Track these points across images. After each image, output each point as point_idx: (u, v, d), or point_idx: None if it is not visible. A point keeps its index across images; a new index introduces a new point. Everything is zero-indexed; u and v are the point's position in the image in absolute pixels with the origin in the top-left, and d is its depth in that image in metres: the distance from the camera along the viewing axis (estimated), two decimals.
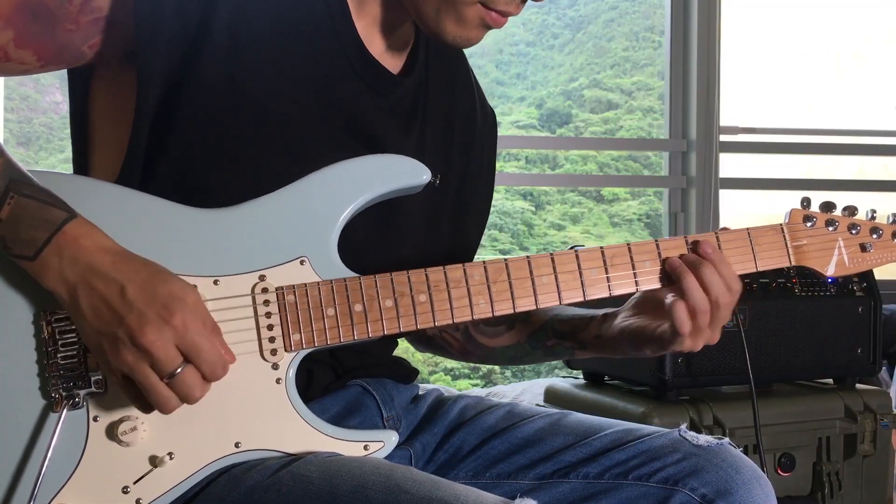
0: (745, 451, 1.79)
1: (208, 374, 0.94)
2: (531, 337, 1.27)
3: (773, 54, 3.64)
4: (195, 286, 0.97)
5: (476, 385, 3.76)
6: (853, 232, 1.16)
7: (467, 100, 1.31)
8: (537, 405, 1.89)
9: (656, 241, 1.11)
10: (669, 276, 1.09)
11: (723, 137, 3.28)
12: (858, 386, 2.07)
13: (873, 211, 1.18)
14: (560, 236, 3.89)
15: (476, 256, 1.35)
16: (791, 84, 3.66)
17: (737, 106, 3.38)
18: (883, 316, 2.09)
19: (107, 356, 0.93)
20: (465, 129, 1.30)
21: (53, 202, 0.96)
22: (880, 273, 2.15)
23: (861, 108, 3.64)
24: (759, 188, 3.37)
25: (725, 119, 3.30)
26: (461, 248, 1.31)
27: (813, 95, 3.67)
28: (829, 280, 2.03)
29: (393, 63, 1.19)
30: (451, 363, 3.94)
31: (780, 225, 1.15)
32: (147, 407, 0.95)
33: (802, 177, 3.44)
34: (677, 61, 3.31)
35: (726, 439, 1.15)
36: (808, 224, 1.16)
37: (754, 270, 1.13)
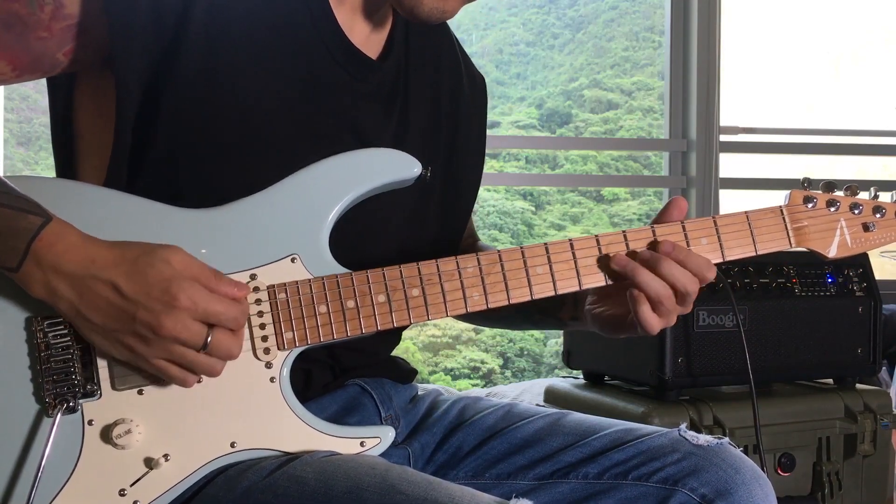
0: (745, 451, 1.79)
1: (235, 328, 0.97)
2: (520, 309, 1.26)
3: (773, 54, 3.64)
4: (174, 248, 0.96)
5: (476, 385, 3.76)
6: (855, 212, 1.14)
7: (453, 72, 1.31)
8: (537, 405, 1.88)
9: (652, 227, 1.10)
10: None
11: (723, 137, 3.28)
12: (858, 386, 2.07)
13: (876, 189, 1.16)
14: (560, 236, 3.89)
15: None
16: (791, 84, 3.66)
17: (737, 106, 3.38)
18: (883, 316, 2.08)
19: (138, 352, 0.95)
20: (452, 103, 1.29)
21: (28, 208, 0.94)
22: (880, 273, 2.15)
23: (860, 109, 3.64)
24: (759, 188, 3.38)
25: (725, 119, 3.30)
26: (453, 223, 1.31)
27: (812, 95, 3.67)
28: (830, 280, 2.03)
29: (374, 48, 1.19)
30: (450, 363, 3.94)
31: (780, 207, 1.13)
32: (196, 378, 0.98)
33: (802, 177, 3.43)
34: (677, 61, 3.31)
35: (726, 439, 1.14)
36: (809, 205, 1.13)
37: (754, 254, 1.11)
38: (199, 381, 0.99)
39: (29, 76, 1.06)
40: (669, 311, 1.07)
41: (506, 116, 3.97)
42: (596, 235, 1.09)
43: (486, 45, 4.15)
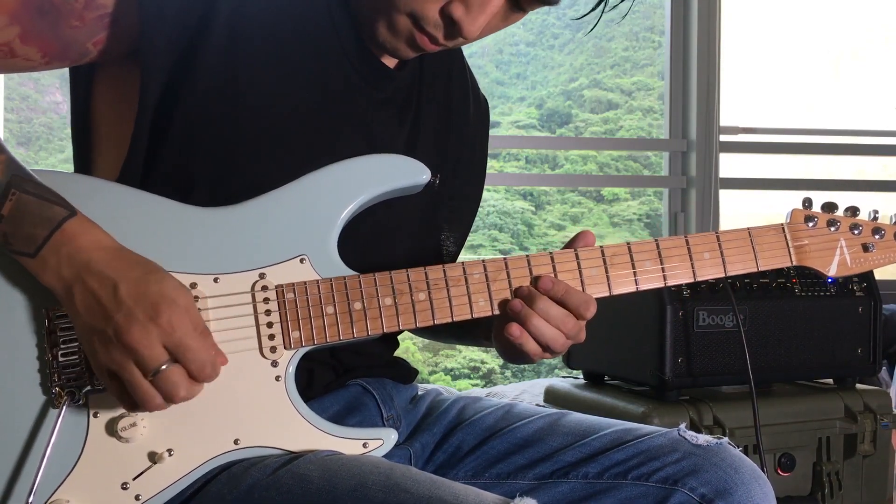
0: (745, 451, 1.79)
1: (196, 373, 0.94)
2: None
3: (773, 54, 3.64)
4: (189, 288, 0.97)
5: (476, 385, 3.76)
6: (855, 232, 1.17)
7: (461, 89, 1.32)
8: (537, 405, 1.89)
9: (656, 240, 1.12)
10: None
11: (723, 137, 3.28)
12: (858, 386, 2.07)
13: (875, 211, 1.19)
14: (560, 236, 3.89)
15: (475, 256, 1.36)
16: (791, 84, 3.66)
17: (737, 106, 3.39)
18: (883, 316, 2.09)
19: (96, 353, 0.94)
20: (460, 118, 1.31)
21: (54, 199, 0.96)
22: (880, 273, 2.15)
23: (860, 109, 3.64)
24: (759, 188, 3.38)
25: (725, 119, 3.30)
26: (456, 231, 1.32)
27: (812, 95, 3.67)
28: (830, 280, 2.03)
29: (391, 58, 1.19)
30: (451, 363, 3.94)
31: (782, 225, 1.16)
32: (132, 405, 0.95)
33: (802, 177, 3.44)
34: (677, 61, 3.31)
35: (726, 439, 1.15)
36: (810, 224, 1.16)
37: (755, 270, 1.14)
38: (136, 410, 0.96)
39: (58, 64, 1.07)
40: (556, 352, 1.08)
41: (506, 116, 3.97)
42: (601, 247, 1.10)
43: (486, 45, 4.15)
